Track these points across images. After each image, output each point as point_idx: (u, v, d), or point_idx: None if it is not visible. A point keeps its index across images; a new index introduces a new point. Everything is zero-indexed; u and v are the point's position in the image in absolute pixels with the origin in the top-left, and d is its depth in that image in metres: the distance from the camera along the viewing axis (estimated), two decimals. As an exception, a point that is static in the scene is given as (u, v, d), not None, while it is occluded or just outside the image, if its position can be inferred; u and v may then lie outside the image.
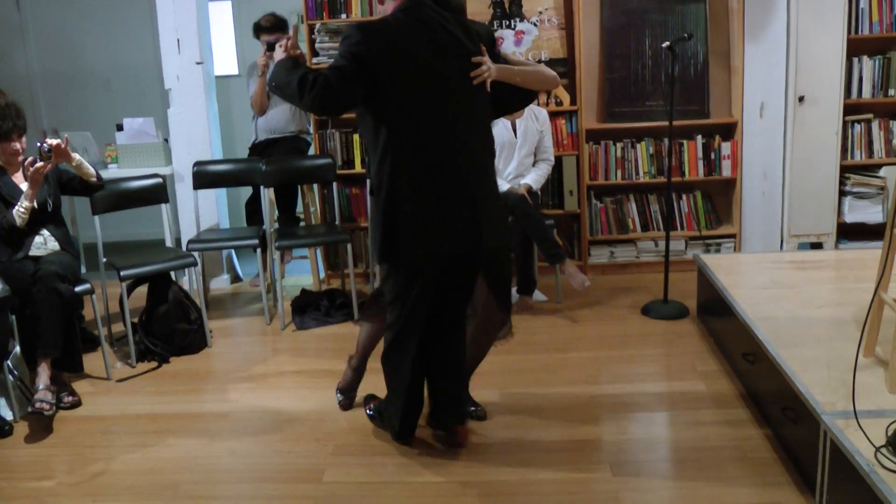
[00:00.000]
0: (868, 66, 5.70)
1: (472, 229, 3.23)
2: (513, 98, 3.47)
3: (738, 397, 3.91)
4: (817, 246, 5.90)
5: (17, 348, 4.24)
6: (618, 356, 4.53)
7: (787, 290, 4.38)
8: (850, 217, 5.84)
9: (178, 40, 5.81)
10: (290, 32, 3.36)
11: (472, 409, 3.84)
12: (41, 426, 3.98)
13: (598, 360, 4.48)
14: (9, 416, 4.05)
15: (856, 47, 5.71)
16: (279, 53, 3.29)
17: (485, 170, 3.34)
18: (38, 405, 3.90)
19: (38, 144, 4.23)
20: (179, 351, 4.86)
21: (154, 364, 4.74)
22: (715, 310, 4.55)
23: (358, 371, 3.98)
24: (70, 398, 4.22)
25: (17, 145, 4.29)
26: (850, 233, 5.95)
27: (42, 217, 4.35)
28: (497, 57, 3.38)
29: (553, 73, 3.51)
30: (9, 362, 4.12)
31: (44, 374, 4.05)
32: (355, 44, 3.08)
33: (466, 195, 3.23)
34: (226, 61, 7.46)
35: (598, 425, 3.74)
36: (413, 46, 3.14)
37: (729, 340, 4.31)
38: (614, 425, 3.74)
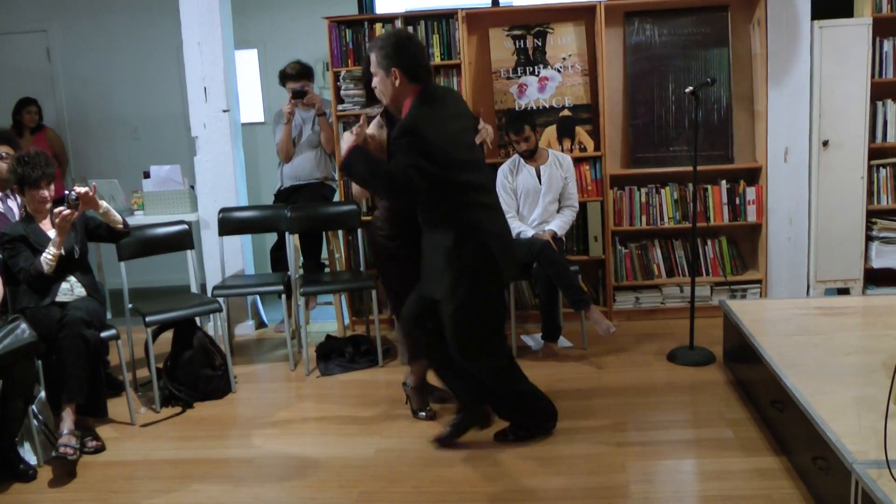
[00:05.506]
0: (892, 110, 5.71)
1: None
2: None
3: (766, 445, 3.85)
4: (844, 292, 5.86)
5: (42, 393, 4.25)
6: (644, 403, 4.48)
7: (814, 336, 4.33)
8: (877, 262, 5.80)
9: (206, 89, 5.88)
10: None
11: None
12: (65, 471, 3.98)
13: (623, 406, 4.43)
14: (33, 460, 4.05)
15: (879, 91, 5.72)
16: (348, 138, 3.71)
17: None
18: (62, 450, 3.91)
19: (66, 192, 4.28)
20: (204, 396, 4.86)
21: (178, 409, 4.74)
22: (742, 356, 4.51)
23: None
24: (94, 443, 4.22)
25: (46, 193, 4.34)
26: (877, 278, 5.91)
27: (69, 264, 4.38)
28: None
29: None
30: (34, 407, 4.13)
31: (68, 419, 4.06)
32: None
33: None
34: (252, 109, 7.55)
35: (624, 473, 3.68)
36: None
37: (756, 387, 4.25)
38: (640, 473, 3.68)
